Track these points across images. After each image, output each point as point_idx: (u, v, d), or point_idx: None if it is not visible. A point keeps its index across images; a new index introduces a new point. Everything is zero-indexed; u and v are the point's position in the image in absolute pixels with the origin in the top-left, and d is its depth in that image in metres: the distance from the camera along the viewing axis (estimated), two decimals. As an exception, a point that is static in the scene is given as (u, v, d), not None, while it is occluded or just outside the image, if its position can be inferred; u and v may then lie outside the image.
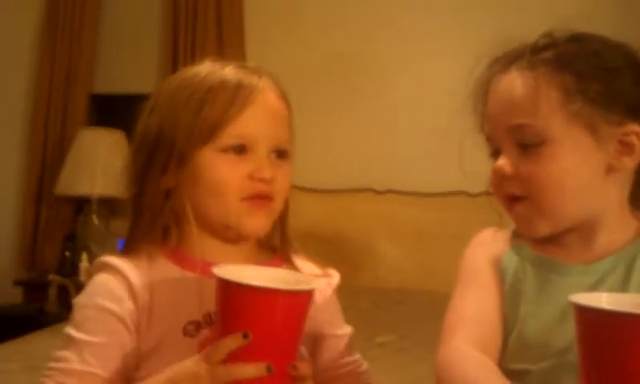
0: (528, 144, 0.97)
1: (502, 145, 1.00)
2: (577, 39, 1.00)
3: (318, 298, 1.05)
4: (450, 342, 0.95)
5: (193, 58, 3.29)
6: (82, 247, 3.63)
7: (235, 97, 1.01)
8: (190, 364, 0.88)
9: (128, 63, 4.04)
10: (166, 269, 1.02)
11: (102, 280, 1.01)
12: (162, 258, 1.03)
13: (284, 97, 1.08)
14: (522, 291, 0.99)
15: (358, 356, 1.13)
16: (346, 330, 1.13)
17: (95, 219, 3.66)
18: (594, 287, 0.94)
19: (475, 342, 0.94)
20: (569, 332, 0.90)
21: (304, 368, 0.89)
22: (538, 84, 0.97)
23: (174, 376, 0.89)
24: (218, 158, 1.01)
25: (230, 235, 1.04)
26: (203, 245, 1.03)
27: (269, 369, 0.85)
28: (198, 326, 0.99)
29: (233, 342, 0.85)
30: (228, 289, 0.87)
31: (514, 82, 0.98)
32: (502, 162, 0.99)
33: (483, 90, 1.03)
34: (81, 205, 3.76)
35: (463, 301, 1.01)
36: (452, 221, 3.25)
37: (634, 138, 0.96)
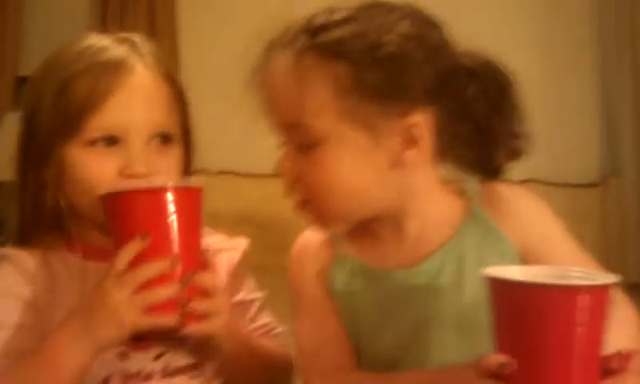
0: (303, 145, 0.89)
1: (280, 137, 0.93)
2: (354, 18, 0.88)
3: (227, 265, 1.06)
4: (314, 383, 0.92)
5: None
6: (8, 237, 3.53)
7: (99, 81, 0.91)
8: (94, 287, 0.85)
9: (56, 44, 3.93)
10: (63, 258, 0.99)
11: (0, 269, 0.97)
12: (58, 246, 0.99)
13: (165, 74, 0.98)
14: (358, 307, 0.93)
15: (270, 319, 1.12)
16: (257, 294, 1.11)
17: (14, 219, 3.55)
18: (428, 288, 0.89)
19: (335, 370, 0.91)
20: (423, 343, 0.89)
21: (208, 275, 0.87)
22: (305, 77, 0.87)
23: (81, 305, 0.86)
24: (84, 153, 0.93)
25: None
26: (87, 236, 0.98)
27: (172, 264, 0.83)
28: None
29: (132, 247, 0.83)
30: (118, 200, 0.86)
31: (282, 75, 0.89)
32: (283, 162, 0.93)
33: (260, 77, 0.94)
34: (4, 191, 3.65)
35: (304, 330, 0.96)
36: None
37: (416, 130, 0.88)
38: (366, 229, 0.94)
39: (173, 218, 0.85)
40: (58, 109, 0.92)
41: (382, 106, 0.86)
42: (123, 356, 0.94)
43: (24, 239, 1.00)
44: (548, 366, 0.69)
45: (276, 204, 3.86)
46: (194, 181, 0.92)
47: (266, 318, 1.12)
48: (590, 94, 3.14)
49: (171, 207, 0.86)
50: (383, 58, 0.86)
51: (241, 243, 1.11)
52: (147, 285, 0.83)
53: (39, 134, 0.94)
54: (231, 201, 3.33)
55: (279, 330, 1.13)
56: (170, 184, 0.87)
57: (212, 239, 1.07)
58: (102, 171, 0.93)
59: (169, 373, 0.95)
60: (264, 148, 3.70)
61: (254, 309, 1.11)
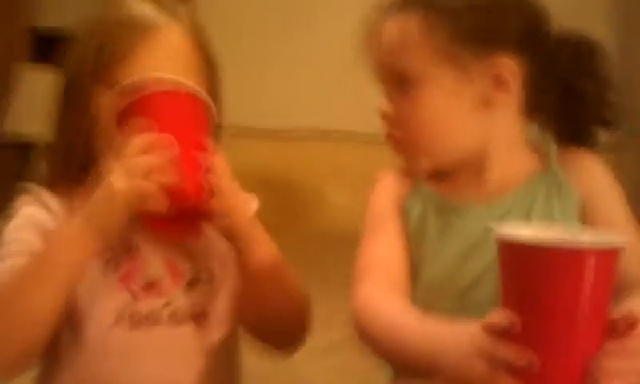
0: (403, 86, 0.98)
1: (385, 88, 1.02)
2: None
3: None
4: (362, 288, 0.96)
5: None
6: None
7: (136, 39, 0.98)
8: (100, 186, 0.87)
9: None
10: (69, 207, 1.00)
11: (22, 211, 1.00)
12: (80, 196, 0.98)
13: (199, 41, 1.04)
14: (425, 234, 1.00)
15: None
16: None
17: (44, 166, 3.56)
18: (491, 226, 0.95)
19: (386, 285, 0.96)
20: (470, 272, 0.96)
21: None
22: (407, 27, 0.97)
23: (83, 207, 0.88)
24: (110, 98, 0.96)
25: None
26: None
27: (174, 147, 0.86)
28: (117, 262, 0.98)
29: (141, 138, 0.86)
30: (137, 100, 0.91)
31: (391, 27, 0.99)
32: (384, 105, 1.01)
33: (370, 36, 1.03)
34: (24, 149, 3.68)
35: (370, 246, 1.02)
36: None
37: (505, 73, 0.96)
38: (447, 172, 1.02)
39: (173, 118, 0.90)
40: (98, 60, 0.98)
41: (473, 48, 0.95)
42: (134, 297, 0.97)
43: (49, 186, 1.03)
44: (553, 326, 0.70)
45: (288, 165, 3.88)
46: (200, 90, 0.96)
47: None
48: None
49: (174, 107, 0.91)
50: (476, 5, 0.96)
51: (251, 202, 1.12)
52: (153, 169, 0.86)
53: (78, 82, 1.00)
54: (243, 161, 3.35)
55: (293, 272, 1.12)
56: (185, 89, 0.92)
57: None
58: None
59: (177, 320, 0.98)
60: (277, 109, 3.69)
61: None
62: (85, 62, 1.00)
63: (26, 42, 3.85)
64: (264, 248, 0.97)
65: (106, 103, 0.97)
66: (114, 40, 0.99)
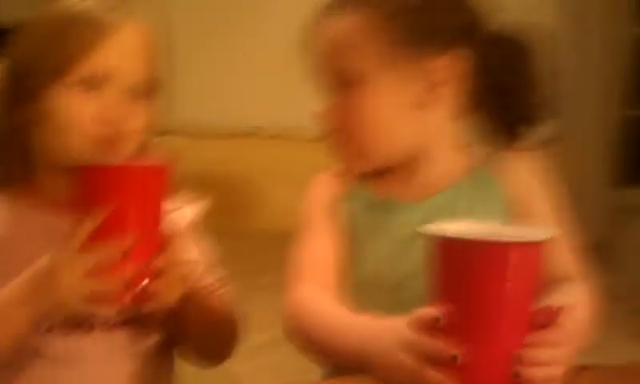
0: (342, 87, 1.00)
1: (326, 87, 1.03)
2: None
3: (183, 222, 1.06)
4: (297, 289, 0.97)
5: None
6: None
7: (87, 30, 0.98)
8: (47, 259, 0.86)
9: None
10: (9, 209, 1.00)
11: None
12: (7, 198, 1.00)
13: (145, 34, 1.04)
14: (356, 232, 1.02)
15: (219, 277, 1.11)
16: (208, 253, 1.12)
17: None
18: (423, 224, 0.98)
19: (318, 287, 0.97)
20: (401, 268, 0.98)
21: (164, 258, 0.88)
22: (347, 28, 0.99)
23: (32, 274, 0.88)
24: (64, 94, 0.97)
25: None
26: (53, 183, 1.00)
27: (126, 253, 0.84)
28: None
29: (88, 226, 0.84)
30: (80, 172, 0.87)
31: (332, 27, 1.01)
32: (324, 104, 1.03)
33: (311, 34, 1.05)
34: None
35: (304, 247, 1.03)
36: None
37: (441, 74, 0.98)
38: (381, 172, 1.04)
39: (134, 197, 0.86)
40: (49, 51, 0.98)
41: (410, 51, 0.98)
42: None
43: None
44: (478, 319, 0.72)
45: (227, 165, 3.87)
46: (159, 159, 0.94)
47: (215, 276, 1.13)
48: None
49: (134, 185, 0.86)
50: (411, 8, 0.98)
51: (198, 203, 1.11)
52: (97, 270, 0.84)
53: (28, 76, 0.99)
54: (184, 162, 3.31)
55: (228, 287, 1.14)
56: (137, 163, 0.90)
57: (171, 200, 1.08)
58: (79, 111, 0.97)
59: (110, 326, 0.97)
60: (216, 109, 3.67)
61: (204, 267, 1.12)
62: (38, 58, 0.99)
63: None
64: (202, 297, 0.98)
65: (61, 101, 0.97)
66: (71, 38, 0.98)
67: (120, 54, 1.00)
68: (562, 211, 1.02)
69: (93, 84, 0.98)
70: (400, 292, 0.97)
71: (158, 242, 0.88)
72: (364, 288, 1.00)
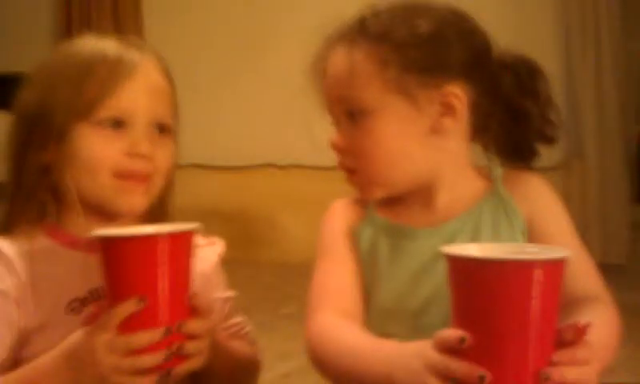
0: (353, 116, 1.00)
1: (336, 118, 1.03)
2: (397, 9, 1.01)
3: (206, 265, 1.09)
4: (316, 317, 0.97)
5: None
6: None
7: (113, 71, 1.01)
8: (85, 336, 0.88)
9: (21, 40, 3.89)
10: (45, 246, 1.01)
11: None
12: (42, 236, 1.02)
13: (166, 73, 1.07)
14: (376, 259, 1.02)
15: (241, 319, 1.15)
16: (229, 293, 1.15)
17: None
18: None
19: (339, 313, 0.97)
20: (422, 294, 0.97)
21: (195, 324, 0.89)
22: (355, 58, 0.99)
23: (68, 350, 0.89)
24: (93, 132, 0.99)
25: (106, 212, 1.02)
26: (83, 222, 1.01)
27: (167, 332, 0.86)
28: (83, 302, 0.98)
29: (126, 309, 0.85)
30: (108, 247, 0.87)
31: (338, 58, 1.01)
32: (335, 136, 1.02)
33: (319, 67, 1.05)
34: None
35: (322, 275, 1.03)
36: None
37: (453, 100, 0.98)
38: (397, 198, 1.03)
39: (167, 266, 0.87)
40: (76, 93, 1.00)
41: (421, 78, 0.97)
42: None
43: (8, 228, 1.02)
44: (504, 340, 0.71)
45: (243, 197, 3.87)
46: (187, 224, 0.93)
47: (236, 318, 1.14)
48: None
49: (165, 256, 0.87)
50: (420, 36, 0.98)
51: (218, 245, 1.13)
52: (138, 350, 0.86)
53: (52, 118, 1.00)
54: (197, 194, 3.34)
55: (248, 328, 1.15)
56: (166, 231, 0.89)
57: None
58: (108, 149, 1.00)
59: None
60: (230, 141, 3.70)
61: (225, 308, 1.13)
62: (64, 99, 1.00)
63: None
64: (215, 338, 0.97)
65: (82, 133, 0.99)
66: (96, 78, 1.00)
67: (144, 91, 1.02)
68: (578, 230, 1.02)
69: (120, 121, 1.00)
70: (421, 317, 0.97)
71: (189, 305, 0.90)
72: (384, 314, 0.99)
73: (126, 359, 0.86)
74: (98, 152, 0.99)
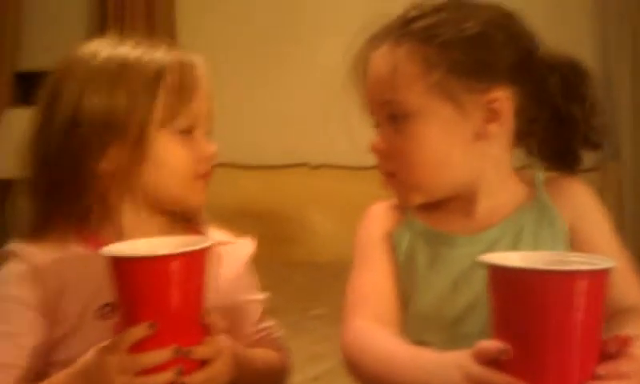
0: (396, 119, 0.98)
1: (377, 120, 1.01)
2: (443, 8, 0.99)
3: (236, 266, 1.10)
4: (352, 322, 0.96)
5: (122, 31, 3.23)
6: (12, 232, 3.52)
7: (187, 78, 1.04)
8: (97, 356, 0.89)
9: (54, 38, 3.93)
10: (78, 252, 1.02)
11: (9, 269, 1.02)
12: (75, 241, 1.03)
13: (208, 73, 1.09)
14: (415, 265, 1.00)
15: (272, 322, 1.15)
16: (261, 296, 1.15)
17: (24, 202, 3.54)
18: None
19: (375, 319, 0.96)
20: (460, 302, 0.95)
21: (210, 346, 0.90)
22: (398, 59, 0.96)
23: (82, 369, 0.90)
24: (173, 139, 1.03)
25: (170, 210, 1.06)
26: (127, 220, 1.04)
27: (176, 351, 0.86)
28: (113, 308, 0.97)
29: (137, 333, 0.86)
30: (119, 265, 0.86)
31: (381, 59, 0.99)
32: (376, 138, 1.01)
33: (360, 67, 1.03)
34: (7, 189, 3.65)
35: (359, 279, 1.01)
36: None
37: (498, 105, 0.96)
38: (436, 204, 1.02)
39: (178, 286, 0.87)
40: (154, 100, 1.02)
41: (466, 82, 0.95)
42: None
43: (40, 231, 1.04)
44: (547, 352, 0.70)
45: (274, 196, 3.88)
46: (200, 239, 0.94)
47: (266, 322, 1.15)
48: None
49: (176, 276, 0.86)
50: (467, 38, 0.95)
51: (247, 244, 1.14)
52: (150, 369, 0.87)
53: (122, 124, 1.01)
54: (228, 193, 3.34)
55: (278, 334, 1.15)
56: (178, 251, 0.88)
57: (217, 235, 1.10)
58: (189, 155, 1.04)
59: None
60: (262, 140, 3.71)
61: (256, 311, 1.13)
62: (136, 107, 1.01)
63: (9, 85, 3.85)
64: (240, 356, 0.98)
65: (165, 146, 1.03)
66: (169, 85, 1.02)
67: (206, 98, 1.07)
68: (620, 238, 0.99)
69: (191, 128, 1.05)
70: (459, 326, 0.95)
71: (201, 326, 0.90)
72: (421, 321, 0.98)
73: (137, 379, 0.86)
74: (182, 158, 1.03)
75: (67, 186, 1.02)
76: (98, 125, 1.01)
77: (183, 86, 1.03)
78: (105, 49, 1.05)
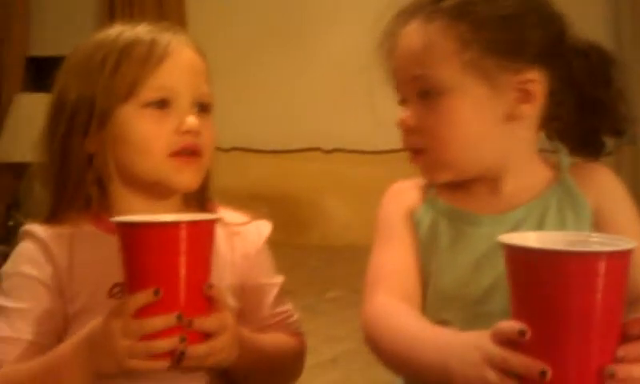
0: (427, 95, 0.97)
1: (405, 96, 1.00)
2: None
3: (250, 247, 1.10)
4: (373, 298, 0.96)
5: (131, 17, 3.23)
6: (27, 215, 3.54)
7: (151, 52, 1.02)
8: (102, 322, 0.90)
9: (65, 24, 3.93)
10: (89, 233, 1.03)
11: (23, 248, 1.04)
12: (87, 223, 1.04)
13: (200, 51, 1.08)
14: (437, 243, 1.00)
15: (289, 306, 1.14)
16: (278, 279, 1.14)
17: (38, 186, 3.56)
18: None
19: (397, 296, 0.95)
20: (483, 282, 0.95)
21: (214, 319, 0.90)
22: (432, 35, 0.96)
23: (87, 337, 0.92)
24: (140, 114, 1.01)
25: (159, 191, 1.04)
26: (129, 205, 1.03)
27: (179, 318, 0.86)
28: (122, 288, 0.97)
29: (142, 299, 0.87)
30: (127, 233, 0.88)
31: (413, 34, 0.98)
32: (405, 114, 1.00)
33: (388, 43, 1.02)
34: (21, 172, 3.67)
35: (381, 256, 1.01)
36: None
37: (531, 86, 0.96)
38: (460, 183, 1.01)
39: (185, 254, 0.87)
40: (116, 77, 1.01)
41: (501, 61, 0.95)
42: None
43: (54, 215, 1.05)
44: (566, 334, 0.69)
45: (288, 180, 3.88)
46: (207, 214, 0.96)
47: (283, 306, 1.14)
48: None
49: (183, 244, 0.87)
50: (501, 17, 0.95)
51: (264, 227, 1.13)
52: (152, 334, 0.88)
53: (93, 103, 1.02)
54: (242, 177, 3.34)
55: (295, 317, 1.15)
56: (186, 219, 0.90)
57: (232, 217, 1.10)
58: (158, 129, 1.01)
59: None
60: (275, 125, 3.70)
61: (272, 294, 1.12)
62: (106, 84, 1.01)
63: (20, 69, 3.86)
64: (248, 341, 0.98)
65: (136, 121, 1.01)
66: (135, 60, 1.01)
67: (183, 69, 1.04)
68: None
69: (165, 101, 1.02)
70: (481, 305, 0.94)
71: (205, 298, 0.90)
72: (442, 299, 0.97)
73: (140, 343, 0.87)
74: (149, 132, 1.01)
75: (65, 170, 1.04)
76: (70, 106, 1.03)
77: (148, 57, 1.01)
78: (102, 34, 1.06)
